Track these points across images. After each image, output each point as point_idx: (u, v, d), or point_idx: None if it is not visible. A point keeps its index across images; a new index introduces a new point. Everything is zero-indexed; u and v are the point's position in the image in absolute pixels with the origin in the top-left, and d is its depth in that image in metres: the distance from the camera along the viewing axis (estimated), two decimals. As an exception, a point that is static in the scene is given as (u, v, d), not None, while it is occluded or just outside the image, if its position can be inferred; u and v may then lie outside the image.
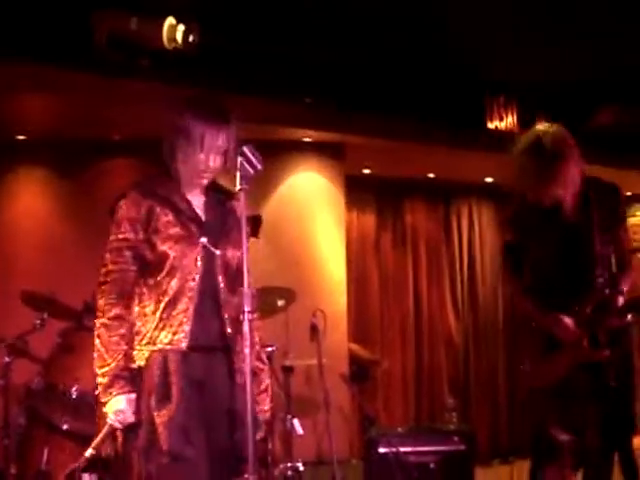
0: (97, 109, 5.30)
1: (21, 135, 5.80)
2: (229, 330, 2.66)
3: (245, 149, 2.44)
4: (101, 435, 2.70)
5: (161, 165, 2.73)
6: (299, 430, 4.63)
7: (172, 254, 2.61)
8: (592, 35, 5.35)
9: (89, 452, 2.77)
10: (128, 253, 2.66)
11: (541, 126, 3.34)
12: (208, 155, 2.63)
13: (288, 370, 4.75)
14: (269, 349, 4.48)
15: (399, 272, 7.60)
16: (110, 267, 2.67)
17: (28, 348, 4.51)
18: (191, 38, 4.13)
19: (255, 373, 2.71)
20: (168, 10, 4.19)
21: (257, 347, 2.79)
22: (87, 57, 4.34)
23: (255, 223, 2.91)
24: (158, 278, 2.63)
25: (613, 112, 6.62)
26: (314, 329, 4.57)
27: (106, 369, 2.61)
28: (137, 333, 2.65)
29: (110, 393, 2.60)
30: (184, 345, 2.60)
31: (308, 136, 6.09)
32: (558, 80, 5.96)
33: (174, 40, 4.10)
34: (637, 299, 3.33)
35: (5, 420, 4.38)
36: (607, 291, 3.24)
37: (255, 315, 2.72)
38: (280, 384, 4.65)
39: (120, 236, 2.67)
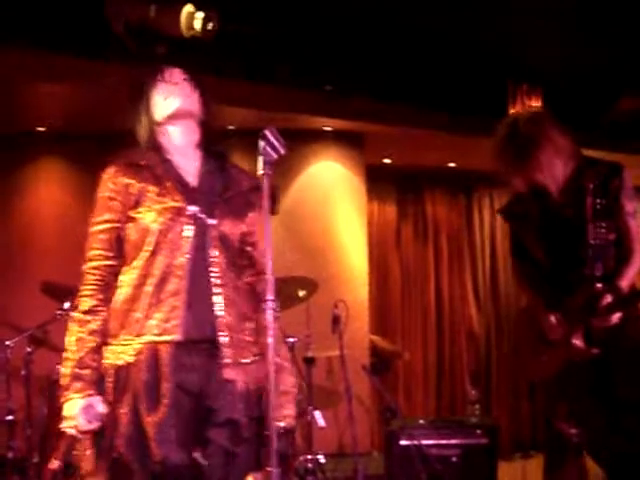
0: (115, 99, 5.28)
1: (41, 126, 5.81)
2: (225, 315, 2.34)
3: (267, 132, 2.28)
4: (65, 444, 2.45)
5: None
6: (321, 422, 4.59)
7: (156, 228, 2.32)
8: (618, 22, 5.26)
9: (56, 464, 2.49)
10: (105, 236, 2.39)
11: (519, 111, 3.24)
12: (166, 97, 2.42)
13: (309, 361, 4.72)
14: (290, 340, 4.46)
15: (420, 263, 7.56)
16: (89, 254, 2.41)
17: (49, 338, 4.52)
18: (210, 26, 4.08)
19: (278, 371, 2.43)
20: (186, -3, 4.15)
21: (280, 340, 2.54)
22: (105, 46, 4.32)
23: (271, 198, 2.73)
24: (143, 258, 2.33)
25: (637, 99, 6.52)
26: (336, 320, 4.53)
27: (66, 369, 2.33)
28: (122, 325, 2.33)
29: (65, 395, 2.32)
30: (177, 336, 2.29)
31: (328, 125, 6.05)
32: (582, 67, 5.88)
33: (192, 28, 4.05)
34: (632, 294, 3.08)
35: (27, 410, 4.39)
36: (598, 285, 3.00)
37: (272, 304, 2.46)
38: (302, 375, 4.62)
39: (97, 219, 2.41)
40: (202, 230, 2.35)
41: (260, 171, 2.29)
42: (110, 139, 5.91)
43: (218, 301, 2.34)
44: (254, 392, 2.40)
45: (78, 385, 2.31)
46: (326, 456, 4.64)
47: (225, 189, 2.46)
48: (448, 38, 5.52)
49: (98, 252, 2.39)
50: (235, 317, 2.38)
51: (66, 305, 4.42)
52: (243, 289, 2.45)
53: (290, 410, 2.47)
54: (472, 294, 7.72)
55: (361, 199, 6.46)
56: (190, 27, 4.03)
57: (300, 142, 6.04)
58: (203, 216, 2.35)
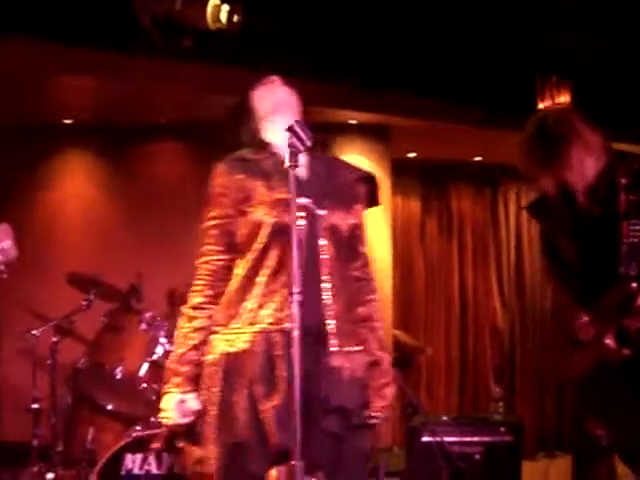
0: (142, 91, 5.32)
1: (68, 119, 5.86)
2: (333, 304, 2.38)
3: (294, 125, 2.30)
4: (161, 431, 2.54)
5: (208, 146, 2.68)
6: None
7: (270, 220, 2.37)
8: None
9: (154, 445, 2.62)
10: (216, 232, 2.45)
11: (547, 108, 3.17)
12: (267, 92, 2.56)
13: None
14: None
15: (444, 258, 7.53)
16: (201, 249, 2.48)
17: (74, 328, 4.57)
18: (235, 18, 4.08)
19: (377, 363, 2.52)
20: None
21: (380, 333, 2.57)
22: (131, 39, 4.33)
23: (372, 187, 2.73)
24: (256, 250, 2.38)
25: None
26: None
27: (170, 362, 2.46)
28: (233, 315, 2.39)
29: (165, 388, 2.44)
30: (289, 325, 2.28)
31: (353, 118, 6.03)
32: (613, 60, 5.80)
33: (218, 20, 4.05)
34: None
35: (52, 399, 4.44)
36: (633, 285, 2.91)
37: (374, 297, 2.59)
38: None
39: (208, 215, 2.48)
40: (312, 221, 2.39)
41: (287, 163, 2.30)
42: (136, 131, 6.00)
43: (326, 290, 2.40)
44: (360, 380, 2.46)
45: (177, 380, 2.41)
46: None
47: (331, 181, 2.51)
48: (475, 31, 5.48)
49: (209, 247, 2.47)
50: (342, 306, 2.43)
51: (91, 296, 4.48)
52: (349, 279, 2.51)
53: (379, 404, 2.52)
54: (497, 289, 7.67)
55: (386, 193, 6.43)
56: (216, 20, 4.03)
57: (325, 136, 6.03)
58: (313, 207, 2.38)
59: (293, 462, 2.19)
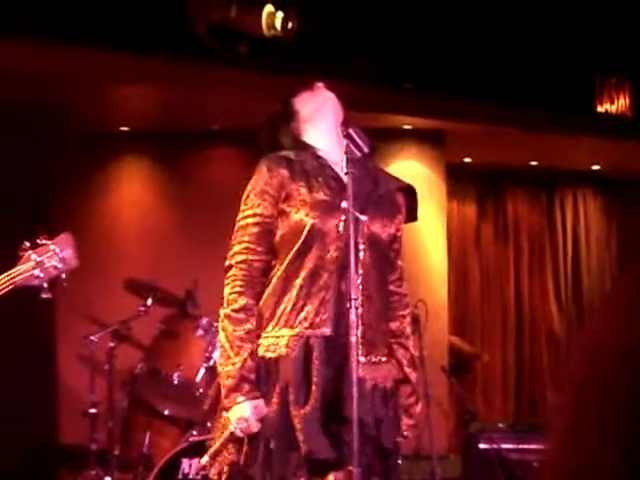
0: (197, 98, 5.36)
1: (124, 126, 5.93)
2: (364, 312, 2.29)
3: (351, 131, 2.30)
4: (220, 441, 2.37)
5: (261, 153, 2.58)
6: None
7: (309, 222, 2.31)
8: None
9: (205, 460, 2.41)
10: (256, 229, 2.37)
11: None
12: (310, 96, 2.54)
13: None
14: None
15: (500, 263, 7.44)
16: (236, 248, 2.39)
17: (132, 334, 4.61)
18: (290, 25, 4.09)
19: (406, 380, 2.49)
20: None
21: (411, 351, 2.54)
22: (187, 46, 4.37)
23: (412, 200, 2.60)
24: (294, 251, 2.32)
25: None
26: (415, 320, 4.48)
27: (230, 369, 2.31)
28: (271, 318, 2.34)
29: (234, 398, 2.30)
30: (327, 330, 2.28)
31: (408, 123, 5.99)
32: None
33: (273, 27, 4.07)
34: None
35: (109, 403, 4.49)
36: None
37: (407, 312, 2.55)
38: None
39: (247, 212, 2.39)
40: (353, 226, 2.30)
41: (344, 170, 2.28)
42: (191, 138, 6.05)
43: (358, 298, 2.31)
44: (386, 390, 2.41)
45: (246, 387, 2.31)
46: (403, 458, 4.58)
47: (374, 188, 2.46)
48: (531, 33, 5.40)
49: (248, 246, 2.38)
50: (373, 316, 2.37)
51: (149, 302, 4.51)
52: (384, 291, 2.45)
53: (406, 423, 2.49)
54: (553, 294, 7.55)
55: (441, 198, 6.38)
56: (271, 27, 4.04)
57: (380, 141, 5.99)
58: (355, 212, 2.30)
59: (350, 468, 2.17)
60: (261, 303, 2.38)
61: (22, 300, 2.37)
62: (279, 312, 2.34)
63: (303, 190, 2.36)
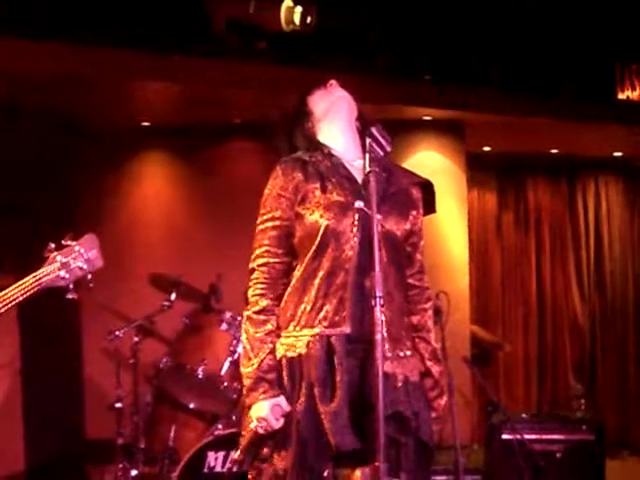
0: (217, 93, 5.38)
1: (145, 121, 5.96)
2: (385, 310, 2.28)
3: (374, 130, 2.30)
4: (248, 439, 2.44)
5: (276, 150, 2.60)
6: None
7: (324, 223, 2.36)
8: None
9: (237, 454, 2.47)
10: (274, 233, 2.44)
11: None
12: (324, 94, 2.55)
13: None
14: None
15: (521, 252, 7.40)
16: (257, 251, 2.46)
17: (156, 329, 4.65)
18: (309, 20, 4.10)
19: (428, 374, 2.51)
20: (285, -8, 4.18)
21: (432, 344, 2.55)
22: (207, 42, 4.39)
23: (429, 193, 2.59)
24: (312, 252, 2.37)
25: None
26: (437, 311, 4.47)
27: (249, 370, 2.40)
28: (291, 318, 2.40)
29: (254, 397, 2.38)
30: (346, 328, 2.33)
31: (428, 114, 5.98)
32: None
33: (292, 22, 4.08)
34: None
35: (134, 398, 4.53)
36: None
37: (428, 305, 2.56)
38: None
39: (266, 216, 2.46)
40: (368, 225, 2.33)
41: (367, 168, 2.28)
42: (212, 132, 6.07)
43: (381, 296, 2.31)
44: (414, 384, 2.44)
45: (263, 387, 2.37)
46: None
47: (388, 185, 2.47)
48: (550, 22, 5.36)
49: (268, 249, 2.45)
50: (394, 312, 2.41)
51: (172, 296, 4.55)
52: (403, 286, 2.48)
53: (436, 413, 2.53)
54: (576, 284, 7.51)
55: (461, 188, 6.36)
56: (290, 21, 4.06)
57: (400, 132, 5.98)
58: (369, 211, 2.32)
59: (377, 463, 2.18)
60: (282, 304, 2.44)
61: (48, 297, 2.41)
62: (299, 312, 2.39)
63: (317, 192, 2.41)
